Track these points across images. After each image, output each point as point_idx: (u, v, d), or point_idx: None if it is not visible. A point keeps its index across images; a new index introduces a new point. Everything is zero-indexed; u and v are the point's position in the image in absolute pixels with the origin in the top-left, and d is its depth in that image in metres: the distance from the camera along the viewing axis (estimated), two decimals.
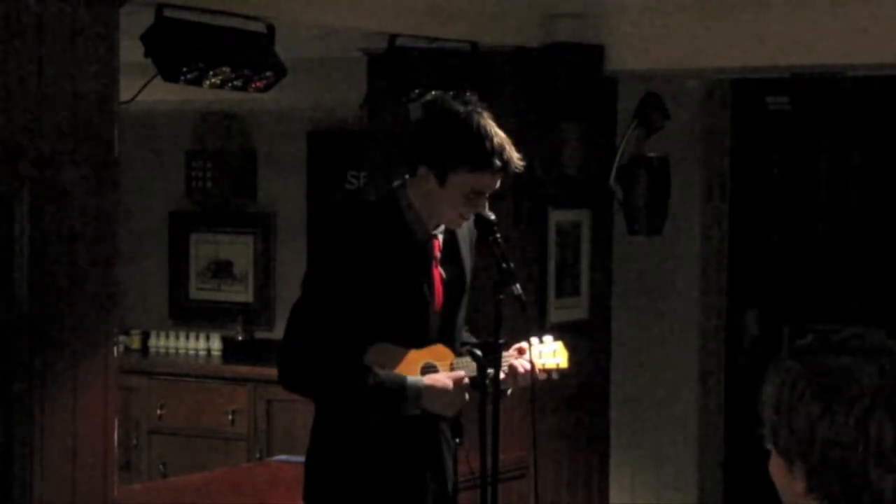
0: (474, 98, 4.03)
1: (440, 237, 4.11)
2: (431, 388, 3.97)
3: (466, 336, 4.26)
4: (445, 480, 4.15)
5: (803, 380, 2.06)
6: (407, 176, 4.07)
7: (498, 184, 3.98)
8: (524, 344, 4.16)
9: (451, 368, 4.07)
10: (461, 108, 3.95)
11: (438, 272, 4.09)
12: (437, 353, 4.08)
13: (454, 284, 4.13)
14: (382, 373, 3.94)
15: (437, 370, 4.06)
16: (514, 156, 3.95)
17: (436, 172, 3.94)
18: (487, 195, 3.99)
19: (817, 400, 2.04)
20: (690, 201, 6.96)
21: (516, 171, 3.98)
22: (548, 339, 4.27)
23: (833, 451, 2.03)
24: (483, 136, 3.89)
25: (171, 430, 8.05)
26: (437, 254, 4.10)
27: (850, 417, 2.02)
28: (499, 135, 3.94)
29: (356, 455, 4.02)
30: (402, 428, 4.01)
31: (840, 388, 2.03)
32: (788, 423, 2.06)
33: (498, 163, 3.90)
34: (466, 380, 4.03)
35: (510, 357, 4.09)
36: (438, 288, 4.09)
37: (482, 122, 3.92)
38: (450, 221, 4.05)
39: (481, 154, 3.89)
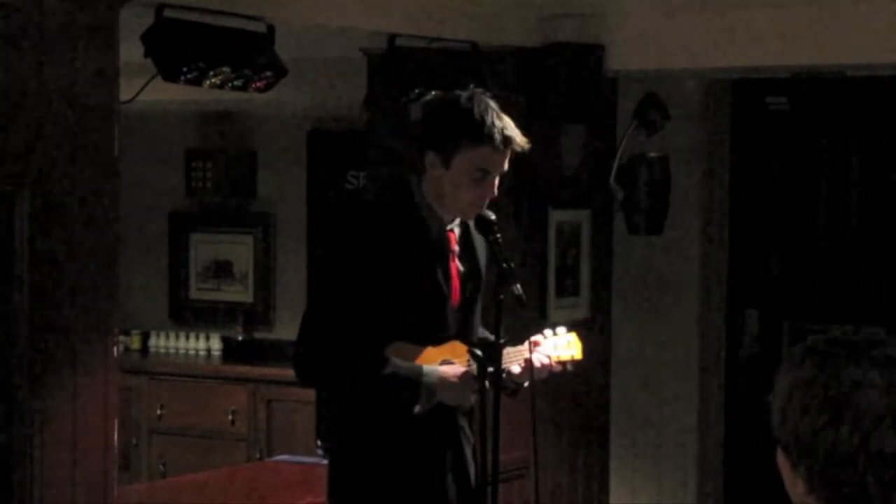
0: (479, 90, 4.06)
1: (456, 231, 4.11)
2: (445, 378, 3.98)
3: (482, 332, 4.24)
4: (468, 478, 4.14)
5: (813, 389, 2.07)
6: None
7: (505, 164, 3.99)
8: (539, 337, 4.16)
9: (467, 363, 4.07)
10: (462, 94, 4.00)
11: (456, 266, 4.09)
12: (455, 349, 4.07)
13: (471, 278, 4.13)
14: (399, 362, 3.95)
15: None
16: (518, 135, 3.97)
17: (441, 154, 3.96)
18: (497, 179, 3.99)
19: (824, 411, 2.05)
20: (690, 201, 6.95)
21: (521, 150, 3.98)
22: (561, 330, 4.28)
23: (834, 461, 2.04)
24: (483, 113, 3.93)
25: (171, 430, 8.05)
26: (455, 248, 4.10)
27: (854, 433, 2.03)
28: (502, 116, 3.97)
29: (380, 456, 4.01)
30: (423, 426, 4.00)
31: (848, 401, 2.04)
32: (795, 429, 2.08)
33: (499, 137, 3.92)
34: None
35: (524, 351, 4.09)
36: (456, 282, 4.09)
37: (483, 102, 3.97)
38: (464, 210, 4.03)
39: (482, 128, 3.92)
